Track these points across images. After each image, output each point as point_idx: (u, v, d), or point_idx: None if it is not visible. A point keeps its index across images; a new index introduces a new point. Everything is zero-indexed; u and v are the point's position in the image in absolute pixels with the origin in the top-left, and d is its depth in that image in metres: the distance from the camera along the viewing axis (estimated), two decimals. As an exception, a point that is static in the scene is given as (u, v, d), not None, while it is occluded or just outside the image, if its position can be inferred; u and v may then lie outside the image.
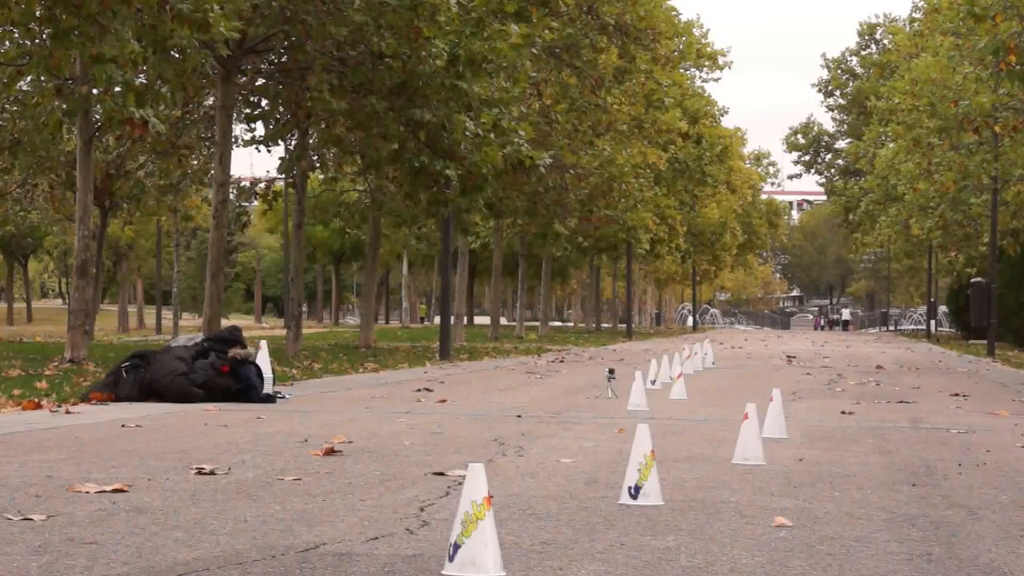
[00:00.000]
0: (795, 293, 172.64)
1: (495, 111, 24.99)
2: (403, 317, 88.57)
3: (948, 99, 35.25)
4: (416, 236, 62.63)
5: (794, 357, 31.05)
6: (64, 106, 18.55)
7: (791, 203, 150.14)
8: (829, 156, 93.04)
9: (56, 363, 19.91)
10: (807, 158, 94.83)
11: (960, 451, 9.76)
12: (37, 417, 11.18)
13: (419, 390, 16.00)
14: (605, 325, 77.62)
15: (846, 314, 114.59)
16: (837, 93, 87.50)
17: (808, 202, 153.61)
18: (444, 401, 14.27)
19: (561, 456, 8.88)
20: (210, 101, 29.74)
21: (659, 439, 9.36)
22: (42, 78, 20.70)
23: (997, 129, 32.93)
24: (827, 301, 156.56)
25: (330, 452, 8.75)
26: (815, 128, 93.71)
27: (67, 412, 11.71)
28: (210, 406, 12.62)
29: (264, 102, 26.89)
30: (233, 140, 27.24)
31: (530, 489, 7.20)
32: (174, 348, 13.73)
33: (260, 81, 26.78)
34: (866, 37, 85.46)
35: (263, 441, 9.55)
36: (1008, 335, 46.78)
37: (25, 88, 27.48)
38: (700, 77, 68.77)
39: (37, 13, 17.10)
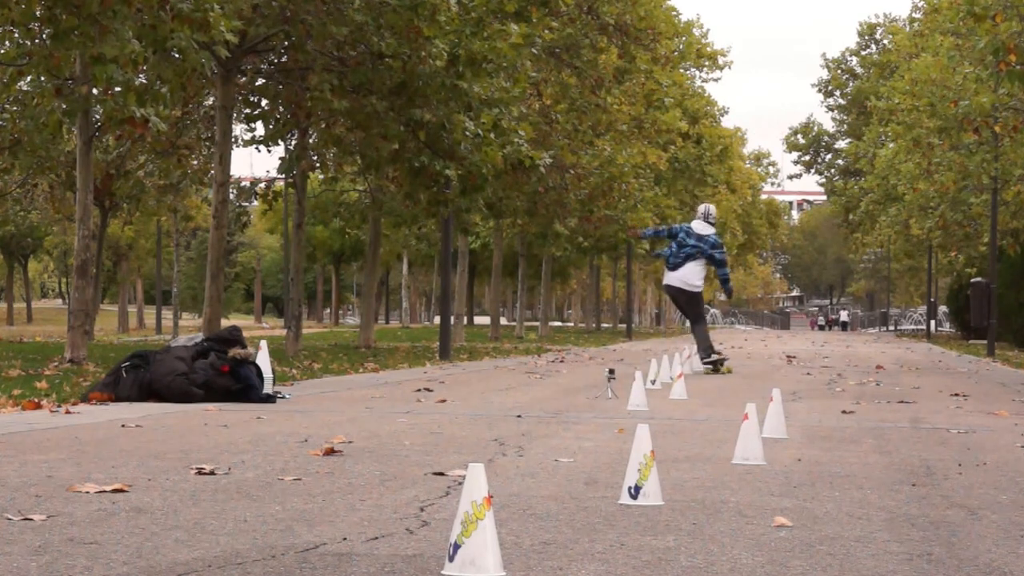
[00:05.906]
0: (795, 293, 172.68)
1: (495, 111, 25.00)
2: (403, 317, 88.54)
3: (948, 99, 35.27)
4: (416, 236, 62.66)
5: (794, 357, 31.06)
6: (64, 106, 18.53)
7: (791, 203, 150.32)
8: (829, 156, 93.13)
9: (56, 363, 19.90)
10: (807, 158, 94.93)
11: (960, 451, 9.75)
12: (37, 417, 11.17)
13: (419, 390, 15.99)
14: (605, 325, 77.61)
15: (844, 315, 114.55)
16: (837, 93, 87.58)
17: (808, 202, 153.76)
18: (444, 401, 14.26)
19: (561, 456, 8.87)
20: (210, 101, 29.75)
21: (659, 439, 9.36)
22: (42, 78, 20.69)
23: (997, 129, 32.93)
24: (827, 301, 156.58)
25: (330, 452, 8.74)
26: (815, 128, 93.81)
27: (67, 412, 11.70)
28: (210, 406, 12.61)
29: (264, 102, 26.90)
30: (233, 140, 27.24)
31: (530, 489, 7.20)
32: (174, 348, 13.72)
33: (260, 81, 26.79)
34: (866, 37, 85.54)
35: (263, 441, 9.55)
36: (1008, 335, 46.78)
37: (25, 88, 27.48)
38: (700, 77, 68.86)
39: (37, 13, 17.10)
